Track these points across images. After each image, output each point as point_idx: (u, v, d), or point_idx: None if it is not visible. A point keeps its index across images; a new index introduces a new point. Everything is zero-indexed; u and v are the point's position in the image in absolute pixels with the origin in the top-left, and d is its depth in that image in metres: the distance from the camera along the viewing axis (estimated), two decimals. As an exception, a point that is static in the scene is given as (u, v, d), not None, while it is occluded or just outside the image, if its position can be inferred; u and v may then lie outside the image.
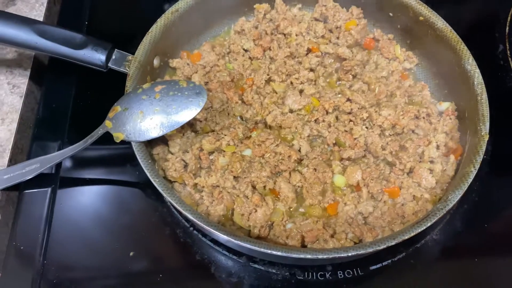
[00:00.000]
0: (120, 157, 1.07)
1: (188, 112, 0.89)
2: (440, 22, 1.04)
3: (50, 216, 0.98)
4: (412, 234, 0.79)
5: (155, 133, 0.89)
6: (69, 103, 1.14)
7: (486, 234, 0.98)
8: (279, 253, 0.77)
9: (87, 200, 1.02)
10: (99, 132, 0.91)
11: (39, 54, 1.19)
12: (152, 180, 0.85)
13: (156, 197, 1.01)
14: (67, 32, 0.97)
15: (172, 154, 0.97)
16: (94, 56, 0.97)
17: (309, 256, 0.77)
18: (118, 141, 0.90)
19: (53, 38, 0.95)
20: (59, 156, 0.94)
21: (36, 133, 1.10)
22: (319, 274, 0.92)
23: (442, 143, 0.99)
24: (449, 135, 1.01)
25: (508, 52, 1.20)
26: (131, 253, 0.94)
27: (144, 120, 0.89)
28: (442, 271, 0.94)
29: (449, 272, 0.94)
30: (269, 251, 0.77)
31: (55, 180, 1.03)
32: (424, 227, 0.80)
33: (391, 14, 1.13)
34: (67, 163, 1.05)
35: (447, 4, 1.27)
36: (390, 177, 0.96)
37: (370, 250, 0.78)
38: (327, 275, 0.92)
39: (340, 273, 0.92)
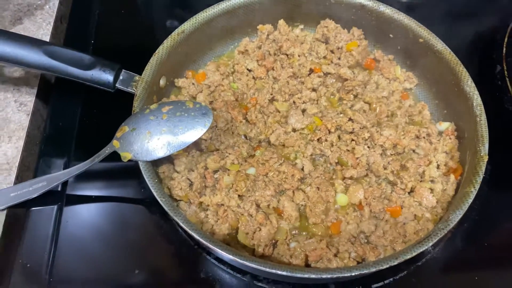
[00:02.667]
0: (125, 174, 1.08)
1: (194, 132, 0.91)
2: (439, 44, 1.07)
3: (56, 234, 0.99)
4: (414, 254, 0.81)
5: (162, 153, 0.91)
6: (76, 122, 1.15)
7: (486, 252, 0.99)
8: (283, 273, 0.78)
9: (93, 217, 1.03)
10: (106, 151, 0.93)
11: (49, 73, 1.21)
12: (158, 199, 0.86)
13: (161, 215, 1.02)
14: (75, 53, 0.99)
15: (178, 173, 0.99)
16: (102, 76, 0.99)
17: (313, 276, 0.78)
18: (125, 161, 0.92)
19: (62, 59, 0.97)
20: (66, 174, 0.96)
21: (42, 150, 1.12)
22: (322, 292, 0.94)
23: (442, 163, 1.01)
24: (449, 154, 1.03)
25: (506, 72, 1.22)
26: (136, 271, 0.95)
27: (152, 140, 0.91)
28: (443, 290, 0.96)
29: (451, 290, 0.96)
30: (273, 271, 0.78)
31: (62, 197, 1.04)
32: (426, 247, 0.81)
33: (391, 35, 1.16)
34: (73, 181, 1.07)
35: (446, 25, 1.31)
36: (391, 196, 0.97)
37: (373, 269, 0.79)
38: (330, 294, 0.93)
39: (343, 291, 0.94)
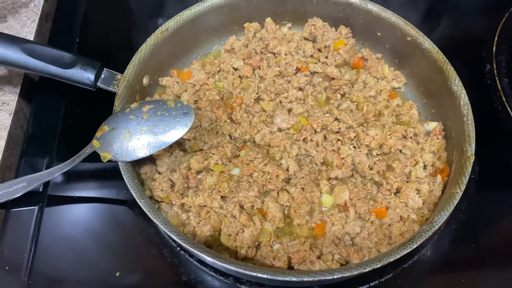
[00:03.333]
0: (108, 175, 1.07)
1: (175, 132, 0.89)
2: (427, 43, 1.05)
3: (37, 235, 0.97)
4: (398, 256, 0.79)
5: (142, 153, 0.89)
6: (59, 121, 1.14)
7: (474, 253, 0.98)
8: (264, 276, 0.77)
9: (74, 218, 1.01)
10: (86, 151, 0.91)
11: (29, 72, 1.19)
12: (138, 200, 0.84)
13: (144, 216, 0.98)
14: (56, 51, 0.97)
15: (159, 173, 0.97)
16: (83, 75, 0.97)
17: (294, 279, 0.77)
18: (105, 161, 0.90)
19: (42, 57, 0.95)
20: (47, 175, 0.94)
21: (25, 150, 1.10)
22: (306, 295, 0.92)
23: (429, 163, 0.99)
24: (437, 155, 1.01)
25: (495, 71, 1.21)
26: (117, 273, 0.93)
27: (131, 140, 0.89)
28: (429, 292, 0.94)
29: (437, 292, 0.94)
30: (254, 274, 0.77)
31: (43, 198, 1.02)
32: (410, 249, 0.80)
33: (379, 34, 1.14)
34: (55, 181, 1.05)
35: (435, 24, 1.30)
36: (377, 197, 0.96)
37: (355, 272, 0.78)
38: (314, 296, 0.92)
39: (327, 294, 0.92)
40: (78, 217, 1.02)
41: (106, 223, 1.01)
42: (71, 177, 1.06)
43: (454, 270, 0.96)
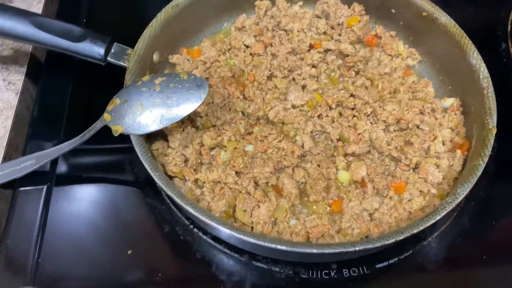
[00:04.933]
0: (117, 156, 1.05)
1: (189, 105, 0.87)
2: (443, 17, 1.03)
3: (45, 215, 0.95)
4: (421, 228, 0.77)
5: (154, 126, 0.87)
6: (66, 100, 1.11)
7: (494, 231, 0.95)
8: (283, 248, 0.74)
9: (83, 198, 0.99)
10: (97, 125, 0.89)
11: (36, 50, 1.17)
12: (151, 173, 0.82)
13: (154, 195, 0.98)
14: (65, 24, 0.95)
15: (172, 149, 0.94)
16: (93, 49, 0.95)
17: (315, 251, 0.74)
18: (116, 135, 0.87)
19: (51, 31, 0.93)
20: (56, 151, 0.92)
21: (32, 130, 1.07)
22: (324, 272, 0.89)
23: (448, 139, 0.97)
24: (455, 130, 0.99)
25: (511, 50, 1.19)
26: (129, 252, 0.90)
27: (144, 112, 0.87)
28: (449, 269, 0.91)
29: (457, 270, 0.92)
30: (273, 246, 0.74)
31: (51, 177, 1.00)
32: (433, 221, 0.77)
33: (393, 10, 1.12)
34: (63, 163, 1.02)
35: (449, 3, 1.27)
36: (395, 173, 0.93)
37: (378, 244, 0.75)
38: (332, 274, 0.89)
39: (345, 271, 0.89)
40: (87, 197, 0.99)
41: (116, 203, 0.99)
42: (79, 156, 1.03)
43: (474, 247, 0.94)
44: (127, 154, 1.02)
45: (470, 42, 0.99)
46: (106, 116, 0.88)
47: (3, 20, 0.92)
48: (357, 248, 0.74)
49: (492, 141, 0.86)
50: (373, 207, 0.90)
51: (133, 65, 0.95)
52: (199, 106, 0.87)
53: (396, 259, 0.91)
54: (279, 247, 0.74)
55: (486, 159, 0.84)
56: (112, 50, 0.97)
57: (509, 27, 1.22)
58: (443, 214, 0.78)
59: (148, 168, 0.82)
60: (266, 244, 0.74)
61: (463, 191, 0.81)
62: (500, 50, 1.20)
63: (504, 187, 1.01)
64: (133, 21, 1.20)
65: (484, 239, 0.96)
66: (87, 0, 1.31)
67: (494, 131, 0.88)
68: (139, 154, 0.84)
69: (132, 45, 0.99)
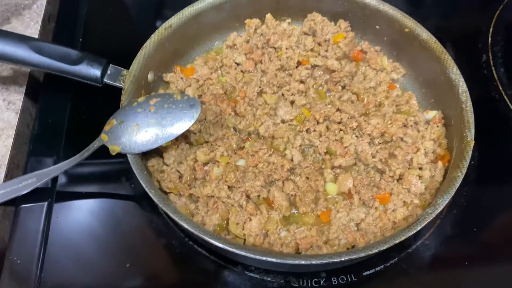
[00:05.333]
0: (115, 171, 1.08)
1: (182, 124, 0.91)
2: (424, 34, 1.08)
3: (47, 230, 0.98)
4: (403, 238, 0.81)
5: (150, 145, 0.91)
6: (65, 119, 1.15)
7: (475, 238, 1.00)
8: (273, 260, 0.79)
9: (83, 213, 1.03)
10: (95, 145, 0.93)
11: (34, 71, 1.21)
12: (148, 191, 0.86)
13: (151, 209, 1.02)
14: (62, 48, 0.99)
15: (167, 165, 0.99)
16: (90, 71, 0.99)
17: (303, 262, 0.79)
18: (114, 154, 0.92)
19: (49, 55, 0.97)
20: (56, 170, 0.96)
21: (32, 148, 1.11)
22: (313, 281, 0.94)
23: (430, 150, 1.01)
24: (437, 142, 1.04)
25: (491, 61, 1.24)
26: (127, 265, 0.95)
27: (140, 132, 0.91)
28: (434, 275, 0.96)
29: (441, 275, 0.96)
30: (263, 258, 0.79)
31: (51, 194, 1.03)
32: (414, 231, 0.82)
33: (377, 26, 1.17)
34: (63, 178, 1.06)
35: (431, 16, 1.32)
36: (380, 184, 0.98)
37: (362, 254, 0.80)
38: (322, 282, 0.94)
39: (334, 279, 0.94)
40: (86, 212, 1.03)
41: (114, 217, 1.03)
42: (79, 174, 1.07)
43: (457, 254, 0.99)
44: (124, 169, 1.06)
45: (450, 57, 1.04)
46: (103, 136, 0.92)
47: (3, 45, 0.96)
48: (342, 259, 0.79)
49: (470, 154, 0.91)
50: (360, 218, 0.94)
51: (128, 86, 0.99)
52: (192, 125, 0.92)
53: (382, 266, 0.96)
54: (269, 259, 0.78)
55: (464, 171, 0.89)
56: (108, 72, 1.01)
57: (490, 39, 1.27)
58: (424, 224, 0.83)
59: (145, 186, 0.86)
60: (258, 257, 0.79)
61: (443, 202, 0.85)
62: (481, 62, 1.25)
63: (485, 195, 1.05)
64: (127, 42, 1.25)
65: (467, 245, 1.01)
66: (83, 19, 1.35)
67: (472, 143, 0.92)
68: (135, 172, 0.89)
69: (127, 65, 1.03)
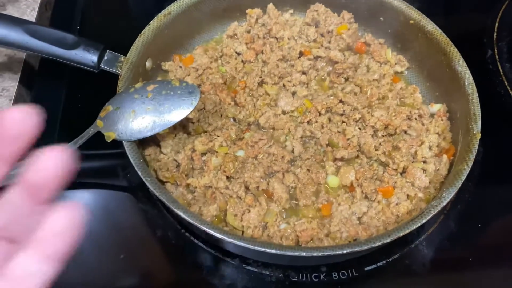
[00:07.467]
0: (110, 161, 1.06)
1: (180, 111, 0.88)
2: (430, 25, 1.06)
3: (39, 220, 0.95)
4: (407, 231, 0.78)
5: (147, 133, 0.88)
6: (59, 107, 1.12)
7: (480, 234, 0.97)
8: (273, 251, 0.76)
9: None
10: (90, 132, 0.90)
11: (29, 57, 1.18)
12: (143, 179, 0.83)
13: (147, 200, 0.99)
14: (58, 32, 0.97)
15: (164, 154, 0.96)
16: (86, 56, 0.96)
17: (304, 254, 0.76)
18: (109, 141, 0.89)
19: (44, 38, 0.94)
20: (48, 157, 0.92)
21: (25, 136, 1.08)
22: (313, 275, 0.91)
23: (434, 144, 0.99)
24: (441, 135, 1.01)
25: (497, 57, 1.21)
26: (121, 256, 0.92)
27: (136, 119, 0.88)
28: (437, 271, 0.93)
29: (444, 271, 0.93)
30: (263, 249, 0.76)
31: (44, 183, 1.00)
32: (419, 224, 0.79)
33: (382, 18, 1.15)
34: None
35: (436, 11, 1.30)
36: (383, 177, 0.95)
37: (365, 247, 0.77)
38: (322, 276, 0.90)
39: (334, 274, 0.91)
40: (80, 201, 0.99)
41: (108, 208, 1.00)
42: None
43: (460, 249, 0.96)
44: (119, 160, 1.03)
45: (456, 49, 1.01)
46: (98, 122, 0.89)
47: (-3, 28, 0.93)
48: (344, 251, 0.76)
49: (476, 146, 0.88)
50: (362, 211, 0.91)
51: (125, 72, 0.96)
52: (191, 112, 0.89)
53: (384, 261, 0.93)
54: (268, 250, 0.75)
55: (470, 164, 0.87)
56: (105, 58, 0.99)
57: (495, 34, 1.25)
58: (428, 217, 0.80)
59: (140, 174, 0.83)
60: (257, 248, 0.76)
61: (448, 195, 0.83)
62: (486, 57, 1.23)
63: (490, 191, 1.03)
64: (126, 29, 1.22)
65: (471, 242, 0.98)
66: (81, 7, 1.32)
67: (479, 136, 0.90)
68: (131, 160, 0.86)
69: (125, 52, 1.00)
